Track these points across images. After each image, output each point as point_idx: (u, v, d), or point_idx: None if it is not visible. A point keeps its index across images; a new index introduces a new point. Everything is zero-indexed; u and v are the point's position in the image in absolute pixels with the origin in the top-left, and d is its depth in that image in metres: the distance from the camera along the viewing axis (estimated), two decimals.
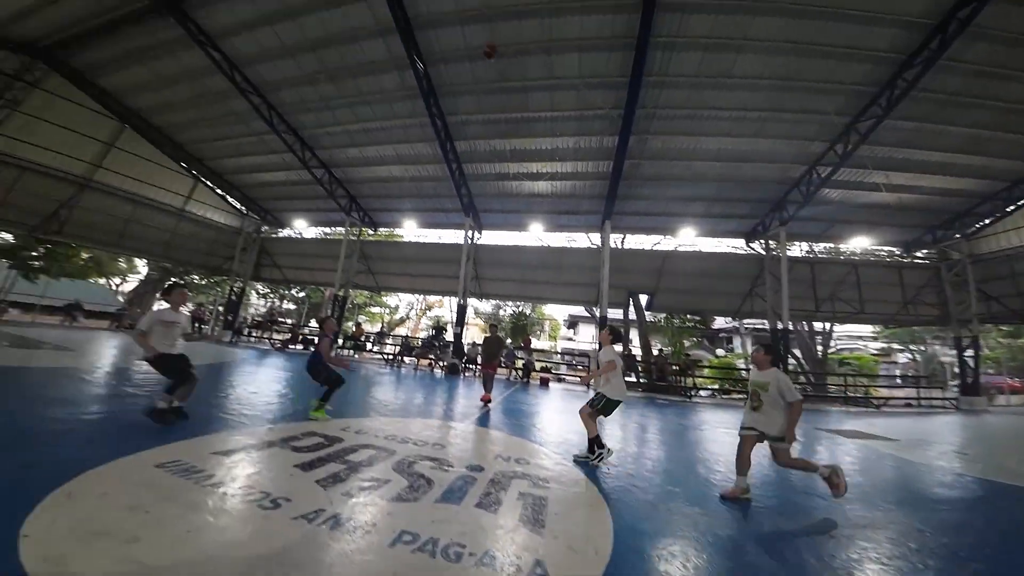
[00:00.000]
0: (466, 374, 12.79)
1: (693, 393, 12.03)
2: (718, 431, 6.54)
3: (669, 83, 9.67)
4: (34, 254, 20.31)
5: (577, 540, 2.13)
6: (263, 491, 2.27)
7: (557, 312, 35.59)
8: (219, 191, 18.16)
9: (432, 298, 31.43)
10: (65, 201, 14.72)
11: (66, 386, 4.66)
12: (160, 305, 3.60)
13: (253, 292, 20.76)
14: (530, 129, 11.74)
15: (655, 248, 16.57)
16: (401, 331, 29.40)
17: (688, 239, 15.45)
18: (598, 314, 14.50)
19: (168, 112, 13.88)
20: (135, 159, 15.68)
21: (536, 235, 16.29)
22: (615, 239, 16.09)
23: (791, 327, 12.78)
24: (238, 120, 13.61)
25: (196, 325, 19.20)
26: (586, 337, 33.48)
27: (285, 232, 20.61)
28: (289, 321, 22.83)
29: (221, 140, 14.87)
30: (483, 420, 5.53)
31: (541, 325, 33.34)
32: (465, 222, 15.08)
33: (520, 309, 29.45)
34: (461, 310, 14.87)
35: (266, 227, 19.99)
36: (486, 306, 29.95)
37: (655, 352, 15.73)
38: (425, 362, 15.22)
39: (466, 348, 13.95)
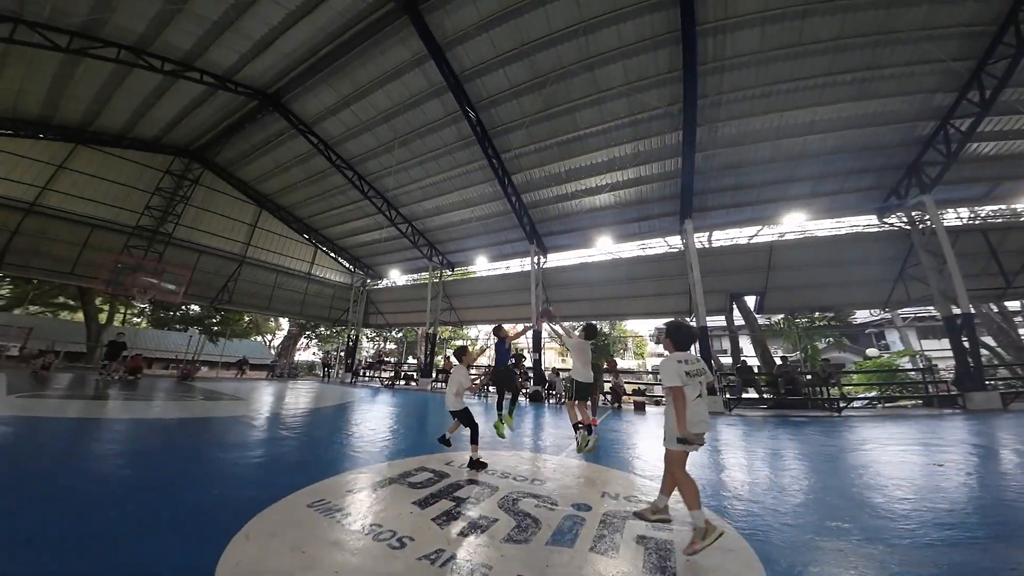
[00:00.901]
0: (549, 401, 12.55)
1: (843, 405, 9.84)
2: (888, 449, 5.21)
3: (730, 66, 8.94)
4: (214, 320, 26.62)
5: None
6: (390, 529, 2.47)
7: (640, 327, 33.17)
8: (332, 254, 21.73)
9: (506, 326, 32.02)
10: (231, 275, 19.01)
11: (239, 432, 5.81)
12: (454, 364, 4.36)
13: (363, 337, 23.79)
14: (583, 146, 11.77)
15: (754, 241, 14.56)
16: (482, 361, 30.41)
17: (796, 225, 13.25)
18: (694, 324, 13.11)
19: (289, 193, 17.27)
20: (271, 235, 19.80)
21: (605, 249, 15.69)
22: (700, 238, 14.66)
23: (972, 311, 9.90)
24: (338, 192, 16.35)
25: (325, 370, 22.73)
26: None
27: (383, 283, 23.52)
28: (392, 360, 25.46)
29: (329, 211, 17.95)
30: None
31: (624, 343, 31.26)
32: (530, 249, 15.41)
33: (599, 328, 28.13)
34: (536, 336, 14.86)
35: (369, 280, 23.10)
36: (559, 330, 29.26)
37: (778, 361, 13.46)
38: None
39: (547, 375, 13.75)
